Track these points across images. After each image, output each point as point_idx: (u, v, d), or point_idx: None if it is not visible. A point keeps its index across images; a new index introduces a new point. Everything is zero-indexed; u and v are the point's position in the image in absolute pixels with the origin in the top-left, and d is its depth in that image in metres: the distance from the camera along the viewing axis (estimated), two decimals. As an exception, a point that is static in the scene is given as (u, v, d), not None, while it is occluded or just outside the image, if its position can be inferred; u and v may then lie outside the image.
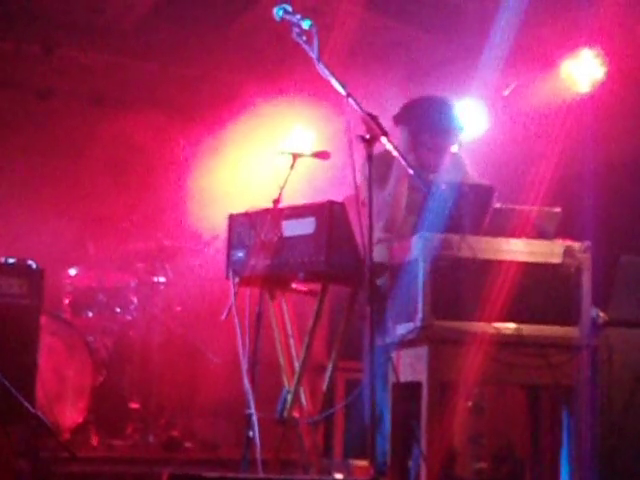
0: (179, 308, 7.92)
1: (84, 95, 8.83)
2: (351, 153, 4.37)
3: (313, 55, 4.46)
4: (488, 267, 4.52)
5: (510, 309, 4.50)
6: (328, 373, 5.05)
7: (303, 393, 5.04)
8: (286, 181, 5.11)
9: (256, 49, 8.69)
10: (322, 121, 7.97)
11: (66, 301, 7.71)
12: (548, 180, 6.99)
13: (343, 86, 4.45)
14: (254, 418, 4.79)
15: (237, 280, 5.06)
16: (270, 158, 6.82)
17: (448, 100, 5.34)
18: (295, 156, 5.24)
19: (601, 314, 4.97)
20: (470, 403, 5.49)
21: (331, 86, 4.47)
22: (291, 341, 5.13)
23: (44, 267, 6.42)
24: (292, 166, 5.22)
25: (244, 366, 4.86)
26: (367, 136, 4.39)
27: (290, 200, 5.08)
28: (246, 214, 5.14)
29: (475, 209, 4.69)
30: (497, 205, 4.74)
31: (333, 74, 4.45)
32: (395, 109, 5.33)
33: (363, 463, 5.28)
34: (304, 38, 4.50)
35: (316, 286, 5.02)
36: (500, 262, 4.54)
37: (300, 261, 4.86)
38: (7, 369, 5.82)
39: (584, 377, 4.64)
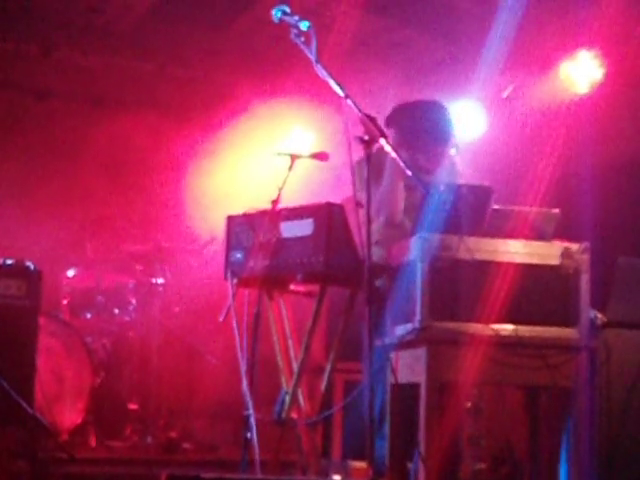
0: (177, 309, 7.92)
1: (82, 96, 8.83)
2: (350, 154, 4.38)
3: (312, 56, 4.46)
4: (486, 268, 4.51)
5: (508, 310, 4.50)
6: (326, 374, 5.05)
7: (301, 394, 5.04)
8: (284, 182, 5.11)
9: (255, 50, 8.69)
10: (320, 122, 7.98)
11: (64, 302, 7.71)
12: (547, 181, 6.99)
13: (341, 87, 4.45)
14: (252, 419, 4.78)
15: (235, 281, 5.05)
16: (268, 159, 6.82)
17: (441, 105, 5.35)
18: (293, 157, 5.24)
19: (599, 315, 4.97)
20: (469, 404, 5.48)
21: (329, 87, 4.47)
22: (289, 342, 5.13)
23: (42, 268, 6.42)
24: (290, 167, 5.22)
25: (242, 367, 4.86)
26: (365, 137, 4.39)
27: (288, 201, 5.08)
28: (244, 215, 5.14)
29: (473, 210, 4.68)
30: (495, 206, 4.74)
31: (331, 75, 4.45)
32: (394, 110, 5.35)
33: (362, 464, 5.27)
34: (302, 39, 4.50)
35: (314, 287, 5.02)
36: (498, 263, 4.54)
37: (298, 262, 4.86)
38: (5, 370, 5.83)
39: (582, 378, 4.64)
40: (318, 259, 4.79)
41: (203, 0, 8.30)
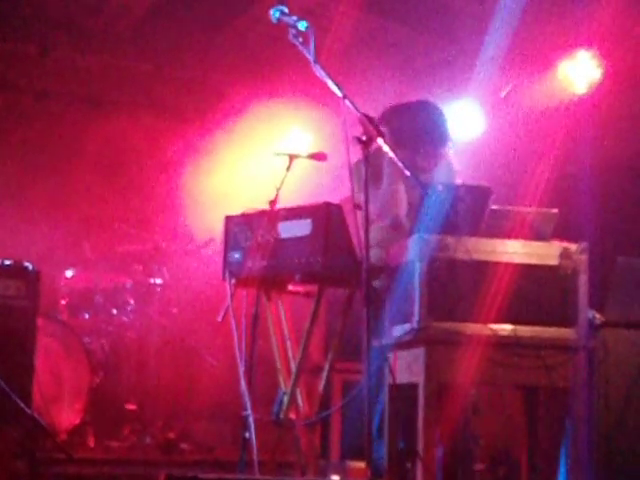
0: (175, 309, 7.92)
1: (80, 96, 8.83)
2: (348, 155, 4.37)
3: (310, 57, 4.45)
4: (485, 268, 4.51)
5: (507, 310, 4.50)
6: (325, 374, 5.04)
7: (300, 394, 5.04)
8: (282, 182, 5.11)
9: (252, 51, 8.69)
10: (318, 122, 7.98)
11: (63, 302, 7.71)
12: (545, 181, 6.99)
13: (339, 87, 4.44)
14: (250, 419, 4.78)
15: (233, 281, 5.05)
16: (266, 159, 6.83)
17: (434, 105, 5.35)
18: (291, 157, 5.24)
19: (597, 315, 4.96)
20: (467, 404, 5.48)
21: (327, 87, 4.46)
22: (288, 342, 5.13)
23: (40, 269, 6.41)
24: (288, 167, 5.22)
25: (240, 367, 4.85)
26: (363, 137, 4.39)
27: (286, 201, 5.08)
28: (242, 215, 5.13)
29: (472, 210, 4.68)
30: (494, 206, 4.74)
31: (329, 75, 4.44)
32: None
33: (360, 465, 5.26)
34: (300, 40, 4.49)
35: (313, 287, 5.02)
36: (497, 263, 4.54)
37: (297, 262, 4.85)
38: (4, 370, 5.82)
39: (581, 378, 4.64)
40: (316, 259, 4.79)
41: (200, 1, 8.30)
